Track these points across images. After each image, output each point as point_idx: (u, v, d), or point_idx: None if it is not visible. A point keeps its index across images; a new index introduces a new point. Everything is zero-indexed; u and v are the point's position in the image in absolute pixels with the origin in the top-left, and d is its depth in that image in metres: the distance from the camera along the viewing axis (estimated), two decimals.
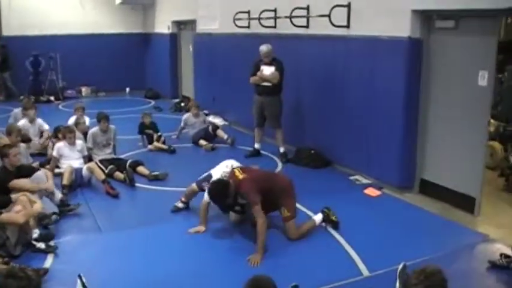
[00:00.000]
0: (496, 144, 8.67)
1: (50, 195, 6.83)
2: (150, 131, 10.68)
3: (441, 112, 7.38)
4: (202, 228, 6.40)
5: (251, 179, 6.10)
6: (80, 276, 4.76)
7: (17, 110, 10.86)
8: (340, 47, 8.75)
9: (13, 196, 5.92)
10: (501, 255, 5.40)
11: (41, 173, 6.97)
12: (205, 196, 6.34)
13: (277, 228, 6.32)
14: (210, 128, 10.99)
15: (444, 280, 3.39)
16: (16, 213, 5.69)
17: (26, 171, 6.83)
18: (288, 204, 6.20)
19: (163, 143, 10.61)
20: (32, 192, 6.36)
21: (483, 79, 6.59)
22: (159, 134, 10.72)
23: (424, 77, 7.50)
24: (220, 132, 10.97)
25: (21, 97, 11.97)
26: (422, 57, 7.45)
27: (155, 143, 10.53)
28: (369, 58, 8.12)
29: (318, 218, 6.44)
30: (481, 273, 5.34)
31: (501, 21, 6.53)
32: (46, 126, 10.24)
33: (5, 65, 16.84)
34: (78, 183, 8.05)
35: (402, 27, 7.40)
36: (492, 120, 8.00)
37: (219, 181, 6.26)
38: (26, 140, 9.16)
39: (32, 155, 9.04)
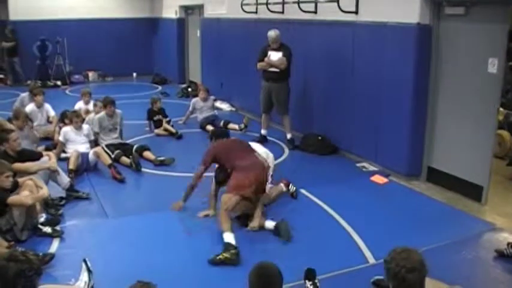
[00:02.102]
0: (505, 133, 8.61)
1: (55, 177, 6.83)
2: (159, 117, 10.68)
3: (450, 99, 7.32)
4: (211, 212, 6.42)
5: (217, 145, 6.59)
6: (84, 261, 4.76)
7: (24, 95, 10.83)
8: (348, 33, 8.67)
9: (20, 180, 5.91)
10: (508, 244, 5.37)
11: (44, 158, 6.98)
12: (214, 181, 6.45)
13: (281, 215, 6.32)
14: (222, 123, 10.91)
15: (421, 258, 3.37)
16: (24, 196, 5.70)
17: (28, 156, 6.82)
18: (229, 181, 6.17)
19: (172, 127, 10.63)
20: (36, 173, 6.38)
21: (493, 66, 6.51)
22: (167, 119, 10.73)
23: (433, 64, 7.43)
24: (232, 126, 10.87)
25: (28, 82, 11.91)
26: (431, 44, 7.37)
27: (164, 125, 10.56)
28: (377, 44, 8.04)
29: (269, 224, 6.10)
30: (488, 262, 5.31)
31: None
32: (52, 113, 10.22)
33: (15, 50, 16.83)
34: (84, 167, 8.07)
35: (411, 14, 7.32)
36: (501, 109, 7.92)
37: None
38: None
39: (39, 139, 9.03)
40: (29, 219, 5.73)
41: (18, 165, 6.37)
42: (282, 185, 6.94)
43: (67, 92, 16.23)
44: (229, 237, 5.53)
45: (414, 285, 3.27)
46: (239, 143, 6.78)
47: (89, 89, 11.60)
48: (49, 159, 6.93)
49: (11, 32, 16.71)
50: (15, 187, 5.82)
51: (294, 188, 7.06)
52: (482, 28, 6.67)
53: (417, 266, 3.26)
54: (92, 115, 9.48)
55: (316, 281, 4.63)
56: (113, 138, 8.91)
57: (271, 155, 7.09)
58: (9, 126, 7.77)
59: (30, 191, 5.80)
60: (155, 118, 10.69)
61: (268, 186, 6.62)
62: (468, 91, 6.99)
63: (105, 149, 8.44)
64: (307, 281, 4.64)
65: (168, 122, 10.71)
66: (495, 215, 6.50)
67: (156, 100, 10.93)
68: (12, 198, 5.58)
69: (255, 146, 7.02)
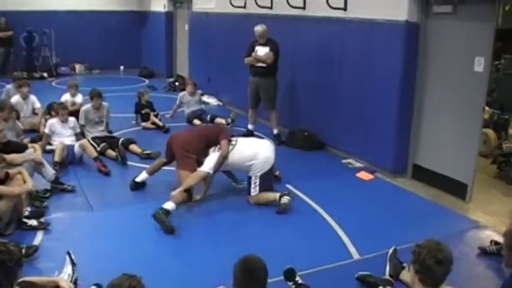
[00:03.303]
0: (490, 132, 8.66)
1: (40, 169, 6.79)
2: (147, 110, 10.65)
3: (436, 97, 7.36)
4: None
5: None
6: (68, 253, 4.73)
7: (10, 86, 10.76)
8: (336, 29, 8.68)
9: (10, 171, 5.87)
10: (491, 241, 5.44)
11: (29, 150, 6.93)
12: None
13: (267, 211, 6.33)
14: (209, 117, 10.89)
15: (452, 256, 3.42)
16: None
17: (14, 148, 6.77)
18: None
19: (160, 120, 10.63)
20: (21, 164, 6.33)
21: (479, 65, 6.55)
22: (155, 113, 10.71)
23: (420, 62, 7.46)
24: (219, 120, 10.86)
25: (15, 73, 11.82)
26: (419, 41, 7.41)
27: (152, 118, 10.56)
28: (365, 41, 8.06)
29: None
30: (471, 259, 5.37)
31: (499, 8, 6.46)
32: (38, 104, 10.14)
33: (11, 40, 16.67)
34: (69, 160, 8.02)
35: (400, 11, 7.35)
36: (487, 108, 7.98)
37: None
38: (16, 116, 9.08)
39: (24, 131, 8.97)
40: (14, 213, 5.70)
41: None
42: (277, 195, 6.58)
43: (53, 84, 16.06)
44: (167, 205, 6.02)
45: (436, 278, 3.34)
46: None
47: (76, 81, 11.51)
48: (34, 151, 6.90)
49: (6, 23, 16.52)
50: (6, 178, 5.78)
51: (287, 199, 6.54)
52: (470, 27, 6.71)
53: (446, 261, 3.32)
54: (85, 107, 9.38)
55: (297, 279, 4.63)
56: (99, 131, 8.85)
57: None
58: None
59: (19, 185, 5.79)
60: (143, 111, 10.66)
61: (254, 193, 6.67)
62: (454, 89, 7.03)
63: (91, 141, 8.39)
64: (288, 282, 4.64)
65: (156, 116, 10.69)
66: (479, 213, 6.56)
67: (143, 93, 10.91)
68: (0, 188, 5.55)
69: (257, 142, 7.12)
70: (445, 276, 3.36)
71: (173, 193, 6.25)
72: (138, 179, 7.15)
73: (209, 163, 6.55)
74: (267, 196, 6.62)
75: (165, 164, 7.17)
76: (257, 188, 6.59)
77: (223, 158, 6.60)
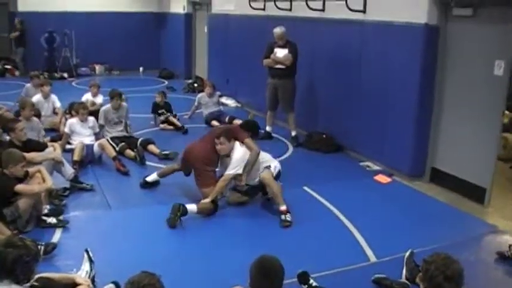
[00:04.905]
0: (510, 136, 8.59)
1: (59, 167, 6.86)
2: (163, 111, 10.70)
3: (455, 101, 7.31)
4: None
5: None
6: (87, 251, 4.79)
7: (29, 85, 10.94)
8: (355, 32, 8.66)
9: (30, 170, 5.94)
10: (510, 246, 5.37)
11: (49, 148, 7.01)
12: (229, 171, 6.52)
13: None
14: (227, 118, 10.91)
15: (462, 269, 3.35)
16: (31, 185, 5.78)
17: (34, 146, 6.85)
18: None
19: (178, 120, 10.71)
20: (41, 163, 6.41)
21: (499, 69, 6.50)
22: (173, 114, 10.80)
23: (440, 65, 7.42)
24: (237, 122, 10.82)
25: (31, 72, 11.95)
26: (438, 44, 7.36)
27: (170, 118, 10.64)
28: (384, 44, 8.03)
29: None
30: (489, 264, 5.32)
31: None
32: (58, 104, 10.26)
33: (21, 41, 16.85)
34: (89, 159, 8.11)
35: (419, 14, 7.31)
36: (507, 112, 7.90)
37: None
38: (37, 115, 9.18)
39: (44, 130, 9.05)
40: (33, 211, 5.77)
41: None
42: (282, 209, 6.28)
43: (73, 84, 16.25)
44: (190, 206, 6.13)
45: None
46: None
47: (98, 82, 11.62)
48: (54, 150, 6.98)
49: (20, 23, 16.72)
50: (25, 177, 5.86)
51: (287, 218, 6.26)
52: (490, 30, 6.66)
53: (456, 276, 3.25)
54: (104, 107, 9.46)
55: (310, 282, 4.63)
56: (118, 131, 8.92)
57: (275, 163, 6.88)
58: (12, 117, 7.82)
59: (39, 183, 5.88)
60: (159, 111, 10.72)
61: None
62: (474, 93, 6.98)
63: (110, 141, 8.46)
64: (302, 285, 4.63)
65: (174, 117, 10.74)
66: (497, 217, 6.49)
67: (160, 94, 10.96)
68: (20, 187, 5.62)
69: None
70: None
71: (201, 202, 6.33)
72: (149, 179, 7.25)
73: (235, 164, 6.48)
74: (278, 185, 6.51)
75: (177, 171, 7.16)
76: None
77: (257, 155, 6.57)
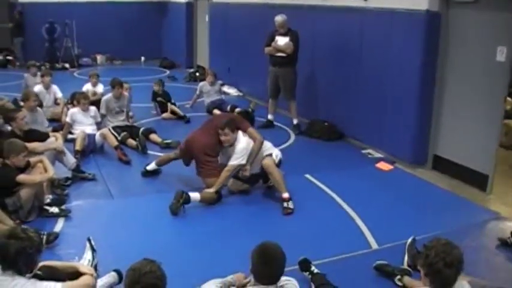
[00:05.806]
0: None
1: (61, 157, 6.86)
2: (161, 99, 10.71)
3: (457, 87, 7.29)
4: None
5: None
6: (89, 240, 4.80)
7: (26, 75, 11.00)
8: (356, 19, 8.63)
9: (31, 160, 5.95)
10: (511, 233, 5.37)
11: (51, 138, 7.01)
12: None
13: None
14: (229, 107, 10.88)
15: (462, 254, 3.35)
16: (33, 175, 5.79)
17: (35, 136, 6.85)
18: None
19: (179, 108, 10.75)
20: (43, 153, 6.40)
21: (501, 55, 6.47)
22: (172, 102, 10.78)
23: (441, 52, 7.39)
24: (239, 110, 10.82)
25: (29, 62, 11.95)
26: (440, 31, 7.33)
27: (171, 106, 10.63)
28: (385, 31, 8.00)
29: None
30: (491, 250, 5.33)
31: None
32: (59, 94, 10.26)
33: (18, 31, 16.83)
34: (90, 149, 8.11)
35: (420, 0, 7.27)
36: (509, 98, 7.89)
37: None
38: (38, 105, 9.18)
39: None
40: (36, 201, 5.79)
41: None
42: (284, 196, 6.31)
43: (75, 74, 16.24)
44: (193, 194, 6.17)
45: (447, 280, 3.26)
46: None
47: (97, 71, 11.61)
48: (56, 140, 6.97)
49: (19, 13, 16.69)
50: (27, 167, 5.87)
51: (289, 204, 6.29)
52: (492, 16, 6.62)
53: (455, 262, 3.23)
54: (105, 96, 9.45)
55: (312, 268, 4.63)
56: (119, 120, 8.92)
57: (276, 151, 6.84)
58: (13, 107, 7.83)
59: (40, 173, 5.89)
60: (158, 99, 10.75)
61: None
62: (476, 79, 6.95)
63: (112, 130, 8.45)
64: (303, 272, 4.64)
65: (174, 105, 10.75)
66: (499, 204, 6.49)
67: (157, 83, 10.96)
68: (21, 177, 5.63)
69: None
70: (456, 277, 3.27)
71: (204, 191, 6.35)
72: (149, 168, 7.29)
73: (239, 154, 6.44)
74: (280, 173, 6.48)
75: (174, 159, 7.16)
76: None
77: (261, 144, 6.55)
